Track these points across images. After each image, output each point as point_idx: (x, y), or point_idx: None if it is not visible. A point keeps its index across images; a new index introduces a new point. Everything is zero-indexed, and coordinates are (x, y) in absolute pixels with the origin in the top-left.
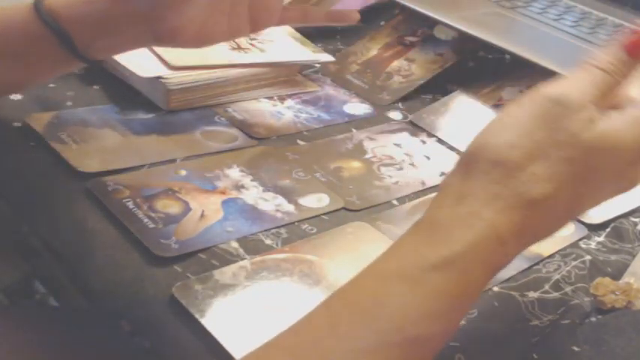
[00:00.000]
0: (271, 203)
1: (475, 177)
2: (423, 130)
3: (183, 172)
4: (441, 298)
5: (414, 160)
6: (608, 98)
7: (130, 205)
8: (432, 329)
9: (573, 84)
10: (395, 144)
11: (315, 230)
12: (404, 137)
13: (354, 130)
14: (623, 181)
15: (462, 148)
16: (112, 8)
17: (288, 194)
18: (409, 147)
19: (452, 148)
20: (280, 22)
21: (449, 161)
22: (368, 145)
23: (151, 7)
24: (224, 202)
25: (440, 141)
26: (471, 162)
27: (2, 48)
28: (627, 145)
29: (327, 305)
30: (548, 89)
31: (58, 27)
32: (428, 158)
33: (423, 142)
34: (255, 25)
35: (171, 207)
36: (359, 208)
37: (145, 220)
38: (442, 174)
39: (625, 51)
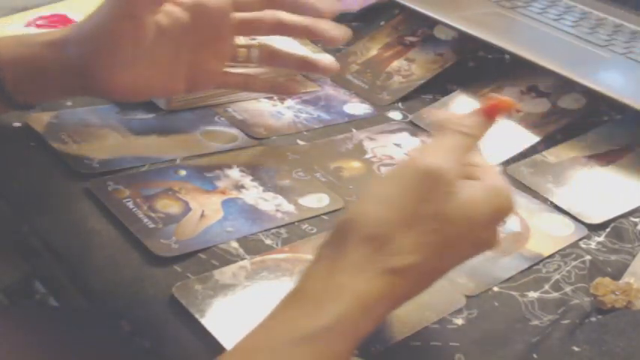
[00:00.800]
0: (271, 203)
1: (346, 250)
2: (423, 130)
3: (183, 172)
4: None
5: None
6: (466, 164)
7: (130, 205)
8: None
9: (439, 153)
10: (395, 144)
11: (315, 230)
12: (404, 137)
13: (354, 130)
14: (480, 244)
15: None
16: (45, 55)
17: (288, 194)
18: (409, 147)
19: None
20: (220, 86)
21: None
22: (368, 145)
23: (82, 61)
24: (224, 202)
25: None
26: (343, 235)
27: None
28: (482, 212)
29: None
30: (417, 161)
31: None
32: None
33: (424, 142)
34: (193, 85)
35: (171, 207)
36: None
37: (145, 220)
38: None
39: (483, 114)
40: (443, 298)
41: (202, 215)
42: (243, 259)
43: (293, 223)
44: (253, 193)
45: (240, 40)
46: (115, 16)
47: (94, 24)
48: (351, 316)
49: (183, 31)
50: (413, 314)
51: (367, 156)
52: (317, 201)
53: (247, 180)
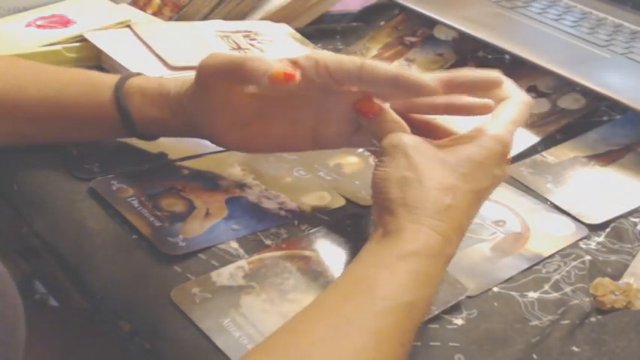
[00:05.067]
0: (274, 202)
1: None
2: None
3: (186, 172)
4: (414, 275)
5: None
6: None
7: (136, 203)
8: (415, 296)
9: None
10: None
11: (314, 230)
12: None
13: None
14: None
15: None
16: (171, 106)
17: (291, 193)
18: None
19: None
20: (348, 146)
21: None
22: None
23: (197, 119)
24: (228, 201)
25: None
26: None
27: (71, 112)
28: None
29: (323, 299)
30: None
31: (127, 112)
32: None
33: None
34: (319, 146)
35: (176, 205)
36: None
37: (152, 218)
38: None
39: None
40: (444, 291)
41: (207, 213)
42: (242, 259)
43: (294, 223)
44: (256, 192)
45: None
46: (222, 89)
47: (202, 86)
48: (433, 245)
49: (300, 97)
50: None
51: (360, 150)
52: (319, 199)
53: (249, 179)
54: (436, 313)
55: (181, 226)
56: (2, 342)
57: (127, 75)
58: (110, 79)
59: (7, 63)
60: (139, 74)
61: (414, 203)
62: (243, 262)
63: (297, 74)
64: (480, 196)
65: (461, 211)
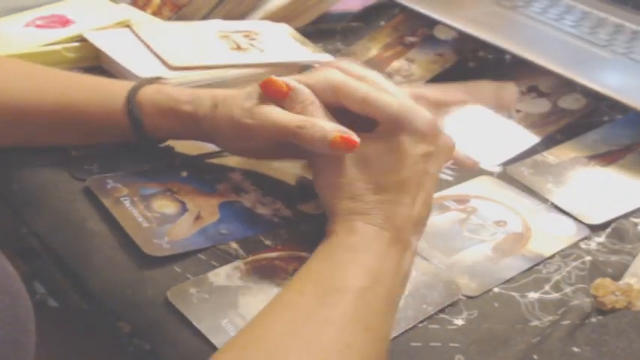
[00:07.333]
0: (269, 208)
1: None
2: None
3: (184, 174)
4: (359, 264)
5: None
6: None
7: (127, 203)
8: (365, 282)
9: None
10: None
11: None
12: None
13: None
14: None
15: (461, 148)
16: (184, 120)
17: (288, 199)
18: None
19: None
20: None
21: None
22: None
23: (218, 143)
24: (221, 205)
25: None
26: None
27: (82, 118)
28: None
29: (279, 297)
30: None
31: (139, 121)
32: None
33: None
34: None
35: (168, 207)
36: None
37: (140, 219)
38: None
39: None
40: (439, 292)
41: (198, 217)
42: (241, 259)
43: (292, 225)
44: (252, 197)
45: None
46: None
47: (244, 134)
48: (369, 235)
49: None
50: (410, 308)
51: None
52: (315, 208)
53: (247, 184)
54: (431, 313)
55: (169, 228)
56: (17, 342)
57: (139, 83)
58: (122, 87)
59: (17, 66)
60: (149, 82)
61: (346, 205)
62: (239, 263)
63: (355, 138)
64: (408, 183)
65: (392, 201)
